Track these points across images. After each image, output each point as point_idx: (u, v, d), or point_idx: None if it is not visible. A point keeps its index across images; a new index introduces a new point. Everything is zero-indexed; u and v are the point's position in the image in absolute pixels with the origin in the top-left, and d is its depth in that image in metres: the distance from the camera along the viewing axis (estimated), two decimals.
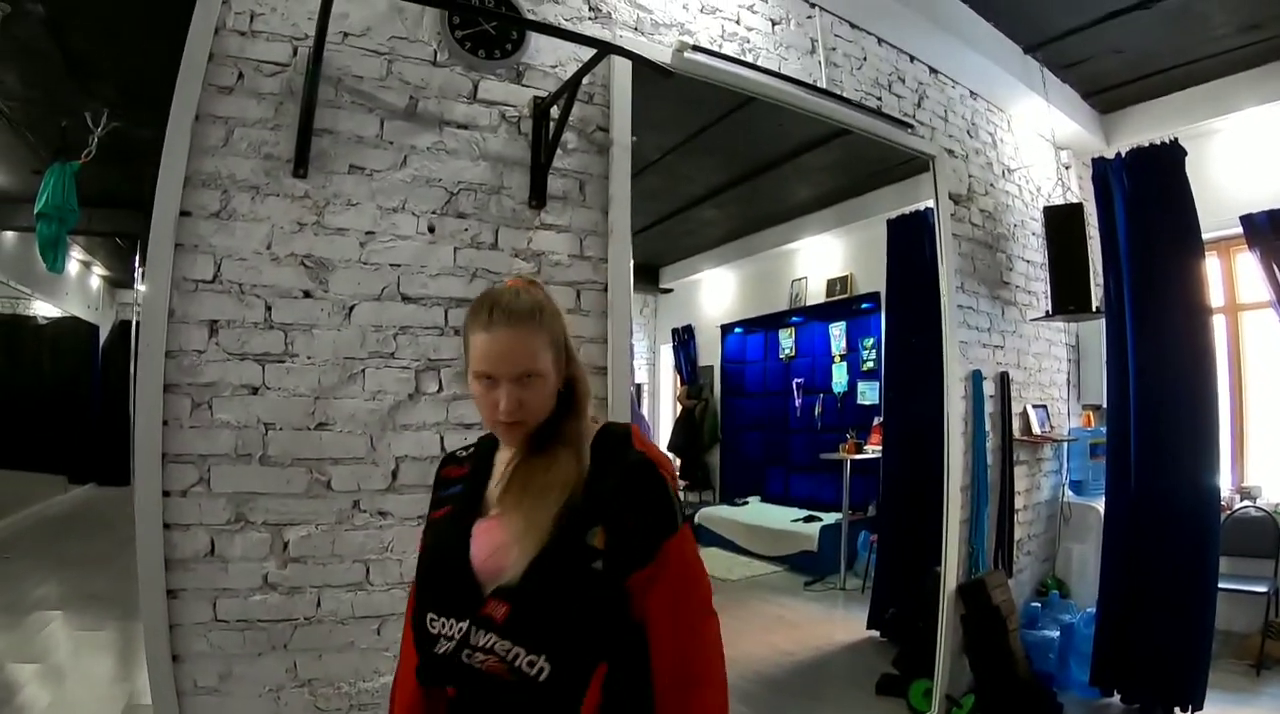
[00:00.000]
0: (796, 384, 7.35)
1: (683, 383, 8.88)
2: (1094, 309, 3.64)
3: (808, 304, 7.13)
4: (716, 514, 7.35)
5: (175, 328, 1.83)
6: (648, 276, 9.44)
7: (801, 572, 5.90)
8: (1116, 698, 3.50)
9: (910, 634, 3.75)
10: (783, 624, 4.86)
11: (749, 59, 2.77)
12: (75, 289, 8.25)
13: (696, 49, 2.59)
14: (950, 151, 3.52)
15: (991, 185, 3.78)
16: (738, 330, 8.37)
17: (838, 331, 6.87)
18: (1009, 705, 3.36)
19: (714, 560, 6.56)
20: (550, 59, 2.34)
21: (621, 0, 2.52)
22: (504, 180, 2.26)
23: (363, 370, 2.01)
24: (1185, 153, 3.39)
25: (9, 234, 6.45)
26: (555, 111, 2.29)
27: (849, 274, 6.56)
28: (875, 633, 4.32)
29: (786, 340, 7.68)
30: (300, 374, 1.94)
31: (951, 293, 3.39)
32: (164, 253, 1.84)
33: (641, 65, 2.20)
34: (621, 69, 2.41)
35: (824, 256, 6.94)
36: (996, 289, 3.75)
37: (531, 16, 2.30)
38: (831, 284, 6.77)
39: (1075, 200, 3.93)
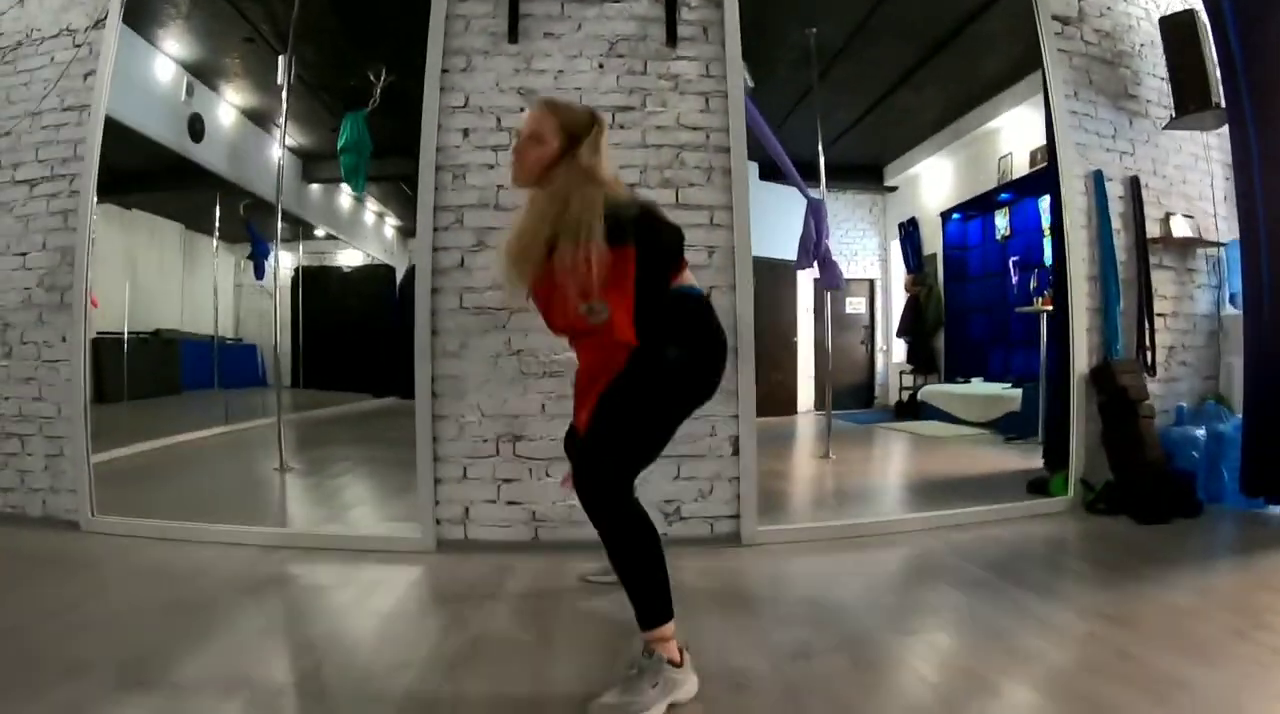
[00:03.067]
0: (1013, 262, 8.00)
1: (909, 272, 9.79)
2: (1214, 105, 4.13)
3: (1014, 178, 7.77)
4: (937, 390, 8.44)
5: (442, 134, 3.43)
6: (872, 176, 10.48)
7: (1007, 432, 6.70)
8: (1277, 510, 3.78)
9: (1058, 433, 4.29)
10: (970, 459, 5.80)
11: None
12: (373, 236, 10.89)
13: None
14: None
15: (1108, 8, 4.39)
16: (956, 217, 9.14)
17: (1046, 204, 7.45)
18: (1140, 489, 3.78)
19: (928, 427, 7.70)
20: None
21: None
22: (647, 31, 3.57)
23: None
24: None
25: (314, 186, 8.88)
26: None
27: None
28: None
29: (1001, 221, 8.36)
30: None
31: (1059, 99, 4.12)
32: (434, 95, 3.42)
33: None
34: None
35: (1024, 129, 7.54)
36: (1120, 101, 4.37)
37: None
38: (1033, 155, 7.37)
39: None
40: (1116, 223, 4.30)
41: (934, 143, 9.00)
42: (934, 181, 9.53)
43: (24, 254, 3.94)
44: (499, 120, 3.45)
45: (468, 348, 3.42)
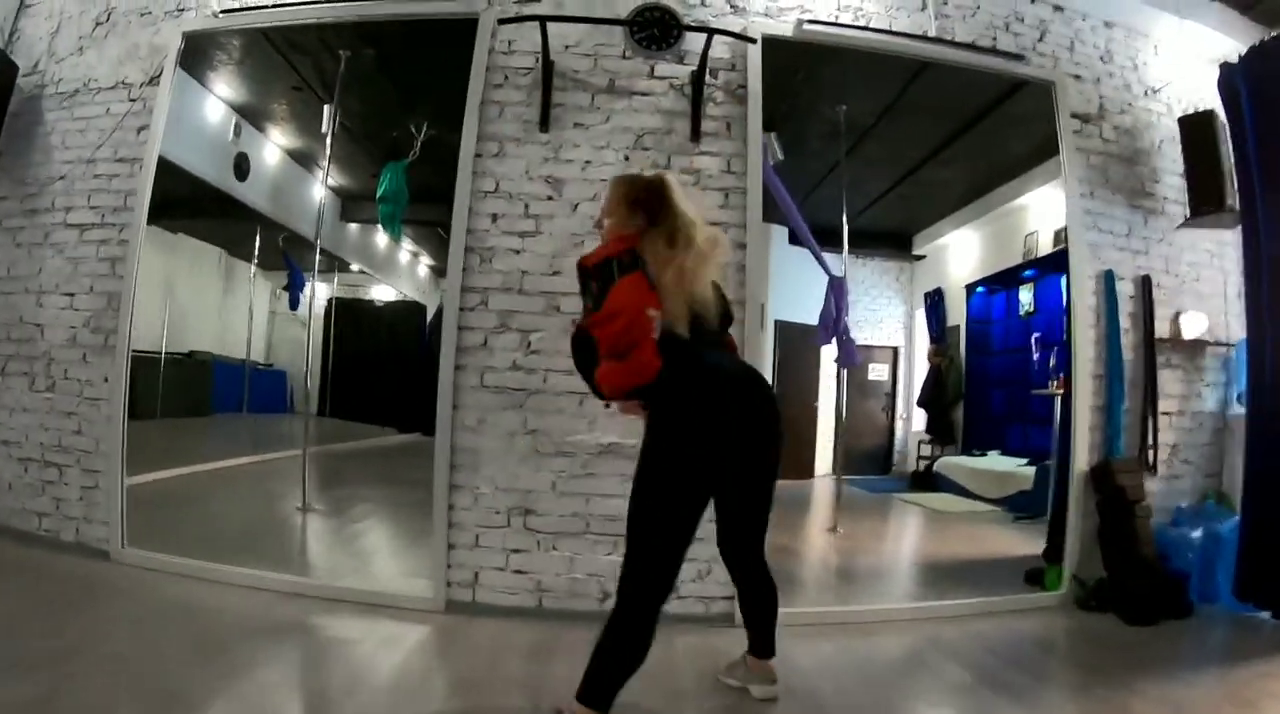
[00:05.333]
0: (1035, 339, 8.10)
1: (932, 342, 9.94)
2: (1228, 207, 4.24)
3: (1039, 256, 7.91)
4: (952, 462, 8.57)
5: (472, 218, 3.66)
6: (901, 244, 10.62)
7: (1017, 510, 6.79)
8: (1268, 615, 3.86)
9: (1057, 528, 4.33)
10: (976, 539, 5.93)
11: (861, 24, 4.07)
12: (407, 274, 11.23)
13: (813, 22, 3.96)
14: (1077, 77, 4.43)
15: (1129, 104, 4.55)
16: (980, 290, 9.28)
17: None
18: (1132, 588, 3.87)
19: (940, 501, 7.80)
20: (700, 45, 3.77)
21: None
22: (673, 125, 3.81)
23: (582, 241, 3.62)
24: None
25: (353, 225, 9.24)
26: (708, 77, 3.80)
27: None
28: None
29: (1025, 296, 8.48)
30: (544, 242, 3.65)
31: (1074, 198, 4.29)
32: (466, 179, 3.66)
33: (733, 38, 3.77)
34: (751, 46, 3.84)
35: (1051, 208, 7.61)
36: (1137, 199, 4.51)
37: (687, 20, 3.84)
38: (1058, 234, 7.47)
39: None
40: (1125, 322, 4.41)
41: (961, 216, 9.16)
42: (961, 253, 9.68)
43: (71, 295, 4.23)
44: (526, 207, 3.70)
45: (486, 424, 3.65)
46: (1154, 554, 4.07)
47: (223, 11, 4.17)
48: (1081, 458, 4.24)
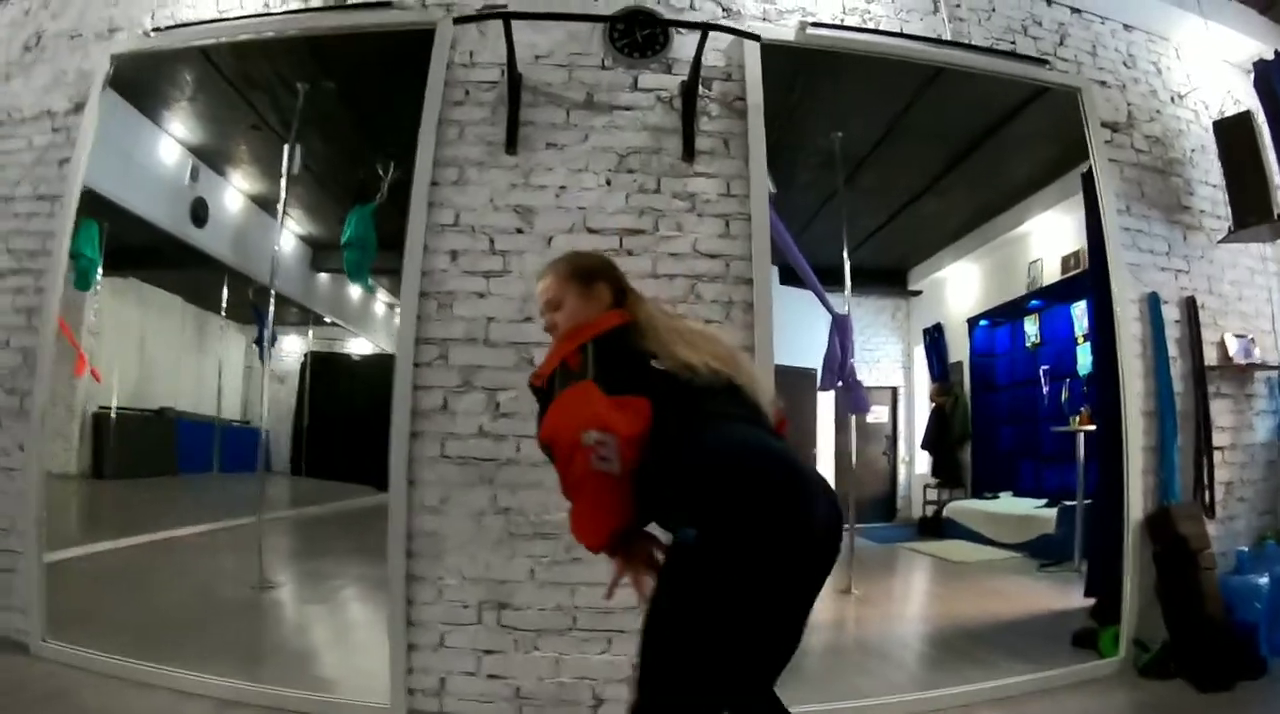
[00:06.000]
0: (1043, 371, 7.59)
1: (933, 381, 9.39)
2: (1276, 217, 3.79)
3: (1045, 285, 7.41)
4: (963, 507, 7.94)
5: (428, 256, 3.08)
6: (896, 280, 10.19)
7: (1040, 556, 6.18)
8: None
9: (1107, 586, 3.88)
10: (999, 596, 5.29)
11: (869, 27, 3.57)
12: (383, 327, 10.71)
13: (817, 25, 3.45)
14: (1102, 83, 3.96)
15: (1157, 112, 4.09)
16: (983, 323, 8.79)
17: (1079, 311, 7.07)
18: (1199, 650, 3.39)
19: (955, 550, 7.12)
20: (691, 52, 3.24)
21: None
22: (662, 143, 3.27)
23: None
24: None
25: (323, 275, 8.69)
26: (701, 89, 3.27)
27: (1081, 248, 6.76)
28: (1092, 600, 4.29)
29: (1031, 327, 7.99)
30: (513, 283, 3.08)
31: (1112, 215, 3.77)
32: (420, 211, 3.10)
33: (736, 36, 3.27)
34: (750, 51, 3.33)
35: (1055, 234, 7.21)
36: (1174, 214, 4.02)
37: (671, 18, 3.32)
38: (1065, 261, 7.01)
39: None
40: (1173, 350, 3.91)
41: (961, 247, 8.70)
42: (960, 286, 9.21)
43: None
44: (492, 242, 3.13)
45: (449, 503, 3.04)
46: (1220, 609, 3.56)
47: (155, 30, 3.66)
48: (1136, 505, 3.68)
